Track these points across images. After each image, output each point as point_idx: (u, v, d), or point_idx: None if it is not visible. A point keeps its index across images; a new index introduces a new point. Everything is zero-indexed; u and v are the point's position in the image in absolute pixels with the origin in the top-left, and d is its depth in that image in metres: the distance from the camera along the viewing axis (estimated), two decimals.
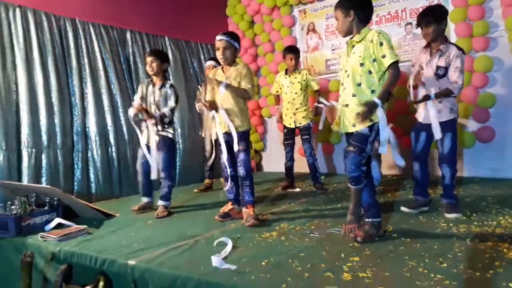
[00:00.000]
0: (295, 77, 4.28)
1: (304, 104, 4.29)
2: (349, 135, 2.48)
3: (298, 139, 4.47)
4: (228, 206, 3.15)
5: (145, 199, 3.67)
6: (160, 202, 3.50)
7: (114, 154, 4.62)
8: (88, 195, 4.27)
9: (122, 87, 4.80)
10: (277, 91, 4.46)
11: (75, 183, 4.25)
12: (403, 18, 4.96)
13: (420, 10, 4.63)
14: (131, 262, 2.20)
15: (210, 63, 4.60)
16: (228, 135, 3.03)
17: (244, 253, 2.26)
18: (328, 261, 2.06)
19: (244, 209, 3.06)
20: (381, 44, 2.31)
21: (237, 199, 3.19)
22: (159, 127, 3.47)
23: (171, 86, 3.57)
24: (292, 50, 4.35)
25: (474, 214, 2.85)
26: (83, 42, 4.47)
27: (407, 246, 2.25)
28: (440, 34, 2.92)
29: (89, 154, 4.42)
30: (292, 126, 4.35)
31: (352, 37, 2.46)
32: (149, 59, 3.54)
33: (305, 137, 4.28)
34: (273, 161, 6.02)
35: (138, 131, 3.53)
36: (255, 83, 5.45)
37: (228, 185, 3.15)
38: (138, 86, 3.82)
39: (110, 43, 4.74)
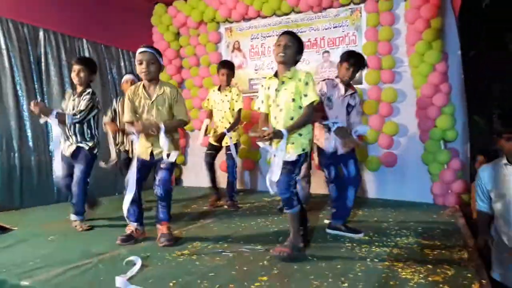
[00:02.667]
0: (225, 95, 4.20)
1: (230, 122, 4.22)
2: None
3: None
4: (130, 228, 2.91)
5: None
6: (76, 217, 3.28)
7: (17, 161, 4.23)
8: None
9: (29, 89, 4.43)
10: (209, 107, 4.34)
11: None
12: (322, 46, 5.27)
13: (337, 40, 5.06)
14: (24, 282, 2.02)
15: (128, 77, 4.27)
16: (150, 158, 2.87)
17: (152, 273, 2.19)
18: (237, 281, 2.07)
19: (158, 226, 2.90)
20: (307, 84, 2.54)
21: (139, 220, 2.94)
22: (78, 138, 3.26)
23: (89, 93, 3.30)
24: (225, 65, 4.21)
25: (376, 235, 3.06)
26: None
27: (313, 265, 2.35)
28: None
29: None
30: (218, 144, 4.25)
31: (278, 72, 2.62)
32: (77, 67, 3.28)
33: (229, 152, 4.20)
34: (194, 175, 5.94)
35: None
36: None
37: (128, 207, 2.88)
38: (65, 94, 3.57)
39: (19, 41, 4.37)
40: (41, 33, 4.62)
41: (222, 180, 4.52)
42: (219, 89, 4.25)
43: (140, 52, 2.76)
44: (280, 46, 2.55)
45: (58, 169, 3.23)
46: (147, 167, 2.96)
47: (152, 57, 2.75)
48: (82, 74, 3.29)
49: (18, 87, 4.33)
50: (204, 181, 4.77)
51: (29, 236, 2.96)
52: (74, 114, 3.20)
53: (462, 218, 3.67)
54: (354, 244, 2.81)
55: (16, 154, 4.23)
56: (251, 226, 3.39)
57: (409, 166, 4.74)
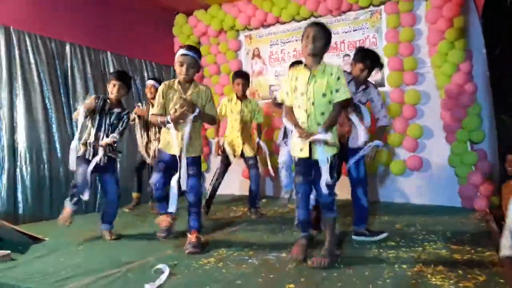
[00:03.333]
0: (246, 106, 4.17)
1: (251, 134, 4.26)
2: (314, 162, 2.52)
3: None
4: (164, 219, 2.96)
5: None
6: (106, 227, 3.35)
7: (46, 173, 4.36)
8: (15, 216, 3.97)
9: (57, 102, 4.57)
10: (223, 115, 4.24)
11: None
12: (342, 49, 5.24)
13: (358, 43, 5.03)
14: None
15: (151, 82, 4.48)
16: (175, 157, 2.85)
17: (179, 281, 2.22)
18: None
19: (188, 235, 2.92)
20: (338, 78, 2.51)
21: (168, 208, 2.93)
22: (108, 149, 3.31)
23: (127, 114, 3.40)
24: (240, 75, 4.20)
25: (403, 240, 3.01)
26: (16, 52, 4.22)
27: (340, 273, 2.33)
28: None
29: (17, 172, 4.13)
30: (237, 153, 4.18)
31: (307, 65, 2.55)
32: (116, 83, 3.30)
33: (252, 162, 4.19)
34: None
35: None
36: None
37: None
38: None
39: (47, 55, 4.52)
40: (67, 47, 4.77)
41: (244, 187, 4.51)
42: (238, 98, 4.19)
43: (182, 54, 2.79)
44: (308, 38, 2.48)
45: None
46: (171, 169, 2.93)
47: (192, 61, 2.80)
48: (121, 91, 3.32)
49: (46, 101, 4.47)
50: (228, 188, 4.81)
51: (60, 246, 3.04)
52: (114, 131, 3.29)
53: (492, 222, 3.57)
54: (381, 250, 2.77)
55: (46, 166, 4.36)
56: (276, 233, 3.39)
57: (435, 169, 4.65)
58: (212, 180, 4.29)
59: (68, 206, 3.22)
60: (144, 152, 4.53)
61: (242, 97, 4.20)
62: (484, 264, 2.40)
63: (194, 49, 2.89)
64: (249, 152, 4.19)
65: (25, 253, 2.87)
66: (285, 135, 3.54)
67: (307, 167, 2.58)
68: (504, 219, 3.49)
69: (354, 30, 5.14)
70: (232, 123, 4.21)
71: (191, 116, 2.77)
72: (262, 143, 4.26)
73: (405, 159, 4.75)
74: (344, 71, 3.14)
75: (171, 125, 2.78)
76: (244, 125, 4.18)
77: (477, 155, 4.26)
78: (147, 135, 4.55)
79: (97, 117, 3.28)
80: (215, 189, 4.27)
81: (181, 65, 2.80)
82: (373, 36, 5.03)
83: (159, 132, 4.20)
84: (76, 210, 3.28)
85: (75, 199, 3.20)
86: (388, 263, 2.49)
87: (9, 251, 2.74)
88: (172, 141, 2.83)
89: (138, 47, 5.67)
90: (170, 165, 2.93)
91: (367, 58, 3.08)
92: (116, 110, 3.33)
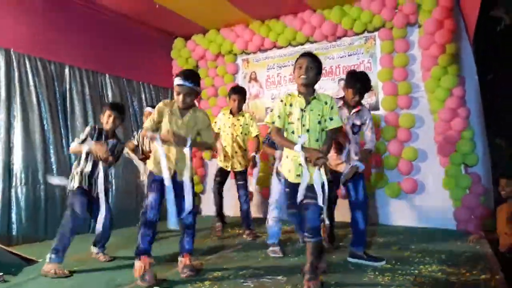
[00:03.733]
0: (238, 119, 4.24)
1: (244, 149, 4.29)
2: (307, 187, 2.51)
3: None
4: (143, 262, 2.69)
5: None
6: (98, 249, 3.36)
7: (42, 193, 4.35)
8: (8, 237, 3.94)
9: (55, 123, 4.60)
10: (218, 129, 4.29)
11: None
12: (337, 74, 5.34)
13: (353, 67, 5.13)
14: None
15: (149, 110, 4.41)
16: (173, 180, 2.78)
17: None
18: None
19: (180, 259, 2.90)
20: (332, 108, 2.60)
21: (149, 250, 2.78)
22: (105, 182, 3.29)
23: (122, 145, 3.43)
24: (237, 91, 4.24)
25: (399, 263, 3.01)
26: (16, 74, 4.28)
27: None
28: None
29: (12, 192, 4.12)
30: (228, 169, 4.28)
31: (301, 93, 2.60)
32: (111, 113, 3.28)
33: (241, 182, 4.26)
34: (212, 204, 5.94)
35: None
36: None
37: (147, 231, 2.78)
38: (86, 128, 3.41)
39: (46, 78, 4.57)
40: (66, 70, 4.83)
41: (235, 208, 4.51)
42: (230, 113, 4.26)
43: (178, 85, 2.77)
44: (301, 69, 2.55)
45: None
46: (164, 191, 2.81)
47: (189, 91, 2.77)
48: (116, 121, 3.32)
49: (44, 122, 4.50)
50: (224, 210, 4.80)
51: None
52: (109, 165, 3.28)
53: (487, 245, 3.57)
54: (377, 273, 2.77)
55: (41, 187, 4.35)
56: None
57: (430, 191, 4.68)
58: (214, 202, 4.44)
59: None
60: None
61: (236, 113, 4.26)
62: (480, 287, 2.40)
63: (191, 78, 2.81)
64: (237, 167, 4.25)
65: (17, 275, 2.84)
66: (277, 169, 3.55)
67: (294, 192, 2.56)
68: (498, 241, 3.51)
69: (349, 55, 5.25)
70: (225, 138, 4.28)
71: (185, 146, 2.76)
72: (257, 158, 4.24)
73: (400, 181, 4.78)
74: (336, 97, 3.23)
75: (159, 143, 2.73)
76: (235, 139, 4.23)
77: (471, 178, 4.30)
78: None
79: None
80: (219, 208, 4.46)
81: (178, 94, 2.78)
82: (367, 61, 5.14)
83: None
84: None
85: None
86: (384, 286, 2.48)
87: (1, 273, 2.72)
88: (161, 162, 2.74)
89: (136, 69, 5.75)
90: (163, 185, 2.79)
91: (357, 82, 3.16)
92: (111, 142, 3.31)
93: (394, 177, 4.84)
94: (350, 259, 3.10)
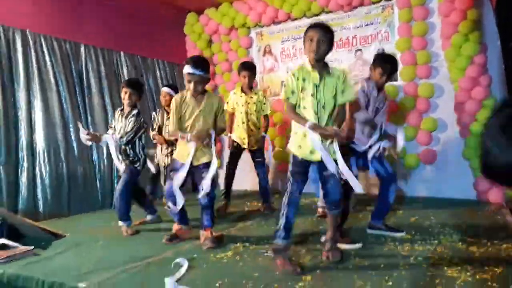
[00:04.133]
0: (251, 97, 4.14)
1: (259, 127, 4.22)
2: (321, 162, 2.46)
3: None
4: (175, 227, 3.11)
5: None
6: (123, 223, 3.44)
7: (64, 171, 4.45)
8: (35, 213, 4.06)
9: (73, 102, 4.66)
10: (233, 108, 4.26)
11: (20, 201, 4.05)
12: (354, 44, 5.23)
13: (370, 38, 5.02)
14: (82, 285, 2.14)
15: (166, 90, 4.45)
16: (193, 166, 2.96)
17: (198, 275, 2.26)
18: (282, 281, 2.11)
19: (201, 231, 3.00)
20: (344, 81, 2.51)
21: (183, 219, 3.14)
22: (123, 157, 3.44)
23: (134, 115, 3.45)
24: (247, 67, 4.15)
25: (418, 233, 3.02)
26: (33, 54, 4.32)
27: (356, 265, 2.36)
28: None
29: (37, 170, 4.23)
30: (244, 146, 4.22)
31: (313, 67, 2.48)
32: (128, 90, 3.42)
33: (258, 159, 4.23)
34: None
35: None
36: None
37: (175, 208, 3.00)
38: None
39: (62, 57, 4.61)
40: (82, 49, 4.85)
41: (256, 182, 4.53)
42: (242, 91, 4.18)
43: (189, 73, 2.86)
44: (313, 42, 2.40)
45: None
46: (187, 173, 2.98)
47: (199, 78, 2.87)
48: (133, 97, 3.44)
49: (63, 100, 4.56)
50: (241, 183, 4.85)
51: (80, 242, 3.12)
52: (121, 137, 3.36)
53: (508, 214, 3.55)
54: (396, 243, 2.78)
55: (64, 164, 4.45)
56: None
57: (449, 162, 4.62)
58: (225, 177, 4.40)
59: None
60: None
61: (248, 90, 4.18)
62: (501, 257, 2.40)
63: (201, 65, 2.89)
64: (254, 146, 4.20)
65: (47, 249, 2.95)
66: None
67: (307, 168, 2.54)
68: None
69: (366, 25, 5.12)
70: (238, 116, 4.20)
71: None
72: (267, 137, 4.25)
73: (419, 152, 4.74)
74: (369, 80, 3.15)
75: (192, 143, 2.88)
76: (250, 118, 4.16)
77: None
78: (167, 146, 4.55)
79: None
80: (229, 185, 4.37)
81: (189, 82, 2.88)
82: (385, 30, 5.01)
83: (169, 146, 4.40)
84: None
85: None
86: (404, 256, 2.50)
87: (32, 247, 2.83)
88: (190, 153, 2.91)
89: (151, 46, 5.74)
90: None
91: (387, 63, 3.09)
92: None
93: (412, 148, 4.79)
94: (369, 231, 3.11)
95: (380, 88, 3.15)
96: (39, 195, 4.21)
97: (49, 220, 4.04)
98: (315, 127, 2.39)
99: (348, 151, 2.97)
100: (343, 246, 2.71)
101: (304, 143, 2.47)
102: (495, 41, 4.40)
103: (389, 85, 4.45)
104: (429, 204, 4.18)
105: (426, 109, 4.70)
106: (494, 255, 2.43)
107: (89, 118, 4.85)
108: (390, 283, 2.04)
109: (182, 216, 3.11)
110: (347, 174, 2.44)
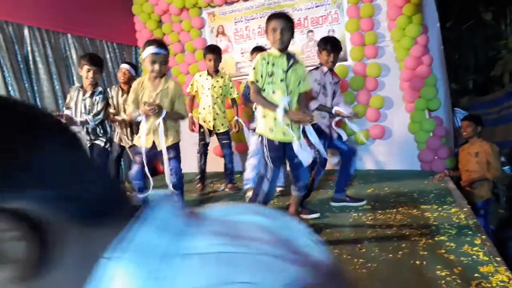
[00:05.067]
0: (217, 81, 4.17)
1: (224, 110, 4.28)
2: (290, 146, 2.57)
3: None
4: None
5: None
6: None
7: None
8: None
9: (21, 88, 4.40)
10: (196, 91, 4.28)
11: None
12: (305, 25, 5.39)
13: (321, 19, 5.19)
14: None
15: (125, 66, 4.35)
16: (152, 148, 2.98)
17: None
18: None
19: None
20: (304, 71, 2.72)
21: None
22: (92, 136, 3.36)
23: (101, 92, 3.39)
24: (212, 50, 4.16)
25: (377, 203, 3.31)
26: None
27: (329, 235, 2.57)
28: None
29: None
30: (210, 129, 4.25)
31: (281, 53, 2.59)
32: (90, 68, 3.30)
33: (225, 141, 4.30)
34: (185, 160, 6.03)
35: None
36: None
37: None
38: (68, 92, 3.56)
39: (6, 40, 4.31)
40: (26, 31, 4.56)
41: (216, 164, 4.61)
42: (208, 74, 4.20)
43: (153, 53, 2.79)
44: (276, 32, 2.51)
45: None
46: (149, 158, 2.98)
47: (164, 58, 2.86)
48: (96, 76, 3.34)
49: (10, 87, 4.29)
50: (189, 167, 4.94)
51: None
52: (94, 115, 3.29)
53: (450, 181, 3.96)
54: (360, 214, 3.04)
55: None
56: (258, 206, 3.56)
57: (396, 136, 5.00)
58: (198, 162, 4.41)
59: None
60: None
61: (214, 73, 4.20)
62: (452, 220, 2.72)
63: (164, 45, 2.91)
64: (220, 128, 4.24)
65: None
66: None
67: (282, 151, 2.63)
68: (460, 178, 3.91)
69: (317, 7, 5.28)
70: (204, 99, 4.22)
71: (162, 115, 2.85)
72: (240, 120, 4.33)
73: (368, 128, 5.07)
74: (319, 67, 3.34)
75: (142, 117, 2.86)
76: (216, 101, 4.19)
77: (434, 122, 4.63)
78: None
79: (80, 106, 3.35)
80: (202, 169, 4.42)
81: (154, 63, 2.82)
82: (334, 12, 5.21)
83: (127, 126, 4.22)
84: None
85: None
86: (369, 225, 2.75)
87: None
88: (142, 138, 2.90)
89: (98, 28, 5.48)
90: (146, 157, 2.96)
91: (328, 43, 3.27)
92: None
93: (362, 124, 5.10)
94: (333, 204, 3.36)
95: (331, 70, 3.34)
96: None
97: None
98: (287, 113, 2.50)
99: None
100: (304, 217, 2.94)
101: (276, 126, 2.56)
102: (434, 24, 4.77)
103: (339, 65, 4.69)
104: (381, 176, 4.53)
105: (374, 88, 5.00)
106: (446, 219, 2.75)
107: (38, 103, 4.61)
108: (364, 250, 2.26)
109: None
110: (318, 146, 2.65)
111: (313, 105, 3.20)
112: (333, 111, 3.22)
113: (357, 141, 4.91)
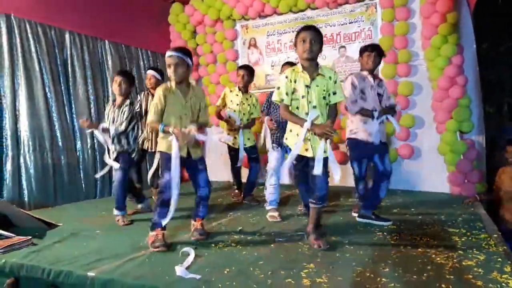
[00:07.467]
0: (247, 98, 4.27)
1: (249, 126, 4.33)
2: (312, 159, 2.60)
3: None
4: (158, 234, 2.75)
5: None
6: (119, 212, 3.47)
7: (49, 160, 4.40)
8: (20, 203, 4.02)
9: (57, 90, 4.59)
10: (224, 106, 4.35)
11: (5, 191, 3.99)
12: (338, 41, 5.39)
13: (353, 35, 5.19)
14: (91, 273, 2.18)
15: (151, 73, 4.45)
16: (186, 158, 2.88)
17: (205, 263, 2.35)
18: (287, 268, 2.23)
19: (193, 222, 3.04)
20: (335, 82, 2.69)
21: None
22: (117, 147, 3.45)
23: (127, 105, 3.46)
24: (244, 67, 4.31)
25: (403, 224, 3.23)
26: (18, 40, 4.22)
27: (353, 253, 2.51)
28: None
29: (21, 160, 4.16)
30: (236, 146, 4.27)
31: (305, 68, 2.64)
32: (119, 78, 3.45)
33: (254, 156, 4.35)
34: (213, 170, 6.05)
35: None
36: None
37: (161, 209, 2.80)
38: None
39: (47, 44, 4.51)
40: (67, 36, 4.77)
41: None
42: (239, 90, 4.26)
43: (168, 56, 2.77)
44: (306, 43, 2.56)
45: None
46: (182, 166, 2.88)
47: (178, 60, 2.75)
48: (123, 86, 3.46)
49: (47, 90, 4.48)
50: (219, 175, 4.94)
51: (76, 231, 3.13)
52: (117, 126, 3.41)
53: (481, 207, 3.82)
54: (385, 233, 2.97)
55: (48, 154, 4.39)
56: (269, 220, 3.49)
57: (425, 157, 4.89)
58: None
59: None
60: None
61: (244, 90, 4.28)
62: (481, 245, 2.62)
63: (181, 50, 2.83)
64: (248, 143, 4.31)
65: (43, 238, 2.94)
66: (274, 140, 3.71)
67: (304, 166, 2.72)
68: (492, 201, 3.79)
69: (350, 23, 5.29)
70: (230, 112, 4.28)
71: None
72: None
73: (397, 147, 4.98)
74: (357, 73, 3.38)
75: (173, 137, 2.72)
76: (242, 117, 4.25)
77: (465, 144, 4.50)
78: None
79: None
80: (237, 177, 4.58)
81: (169, 66, 2.77)
82: (368, 29, 5.19)
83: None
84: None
85: None
86: (394, 244, 2.68)
87: (30, 237, 2.82)
88: (173, 148, 2.73)
89: (135, 35, 5.69)
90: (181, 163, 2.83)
91: (369, 46, 3.34)
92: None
93: (392, 143, 5.02)
94: (359, 219, 3.30)
95: (375, 75, 3.35)
96: (24, 185, 4.15)
97: (35, 210, 3.99)
98: (312, 127, 2.56)
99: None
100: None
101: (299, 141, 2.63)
102: (471, 44, 4.67)
103: None
104: (408, 197, 4.43)
105: (405, 106, 4.93)
106: (474, 244, 2.64)
107: (73, 107, 4.78)
108: (387, 269, 2.20)
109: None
110: (333, 165, 2.61)
111: (354, 108, 3.24)
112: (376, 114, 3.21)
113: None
